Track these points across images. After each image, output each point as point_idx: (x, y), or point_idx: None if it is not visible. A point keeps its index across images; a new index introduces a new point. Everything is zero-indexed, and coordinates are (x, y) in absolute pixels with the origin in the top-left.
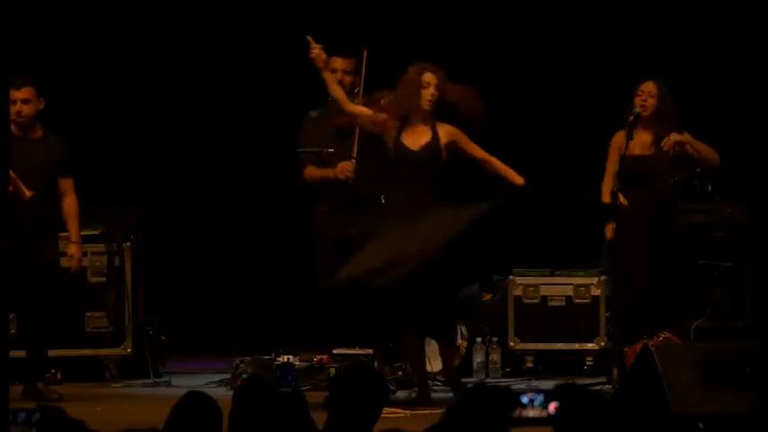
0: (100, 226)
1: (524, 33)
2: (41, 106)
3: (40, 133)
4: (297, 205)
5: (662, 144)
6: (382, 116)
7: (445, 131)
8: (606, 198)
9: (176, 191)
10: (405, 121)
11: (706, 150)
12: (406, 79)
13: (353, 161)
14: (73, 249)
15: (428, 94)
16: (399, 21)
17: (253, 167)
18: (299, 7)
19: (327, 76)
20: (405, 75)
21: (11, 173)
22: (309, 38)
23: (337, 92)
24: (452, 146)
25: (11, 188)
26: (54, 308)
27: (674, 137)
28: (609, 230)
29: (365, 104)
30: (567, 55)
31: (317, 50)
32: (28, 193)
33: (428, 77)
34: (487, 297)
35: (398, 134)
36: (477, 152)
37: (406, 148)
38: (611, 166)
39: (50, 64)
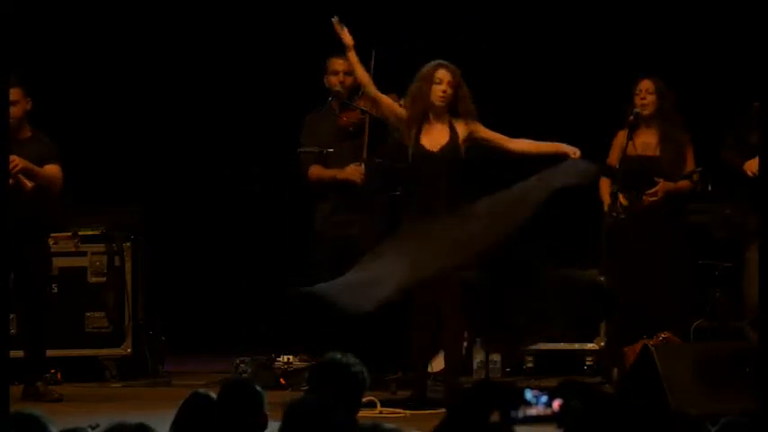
0: (100, 226)
1: (525, 34)
2: (29, 106)
3: (28, 134)
4: (297, 205)
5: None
6: (402, 110)
7: (462, 126)
8: (605, 197)
9: (176, 191)
10: (423, 121)
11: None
12: (419, 75)
13: (362, 163)
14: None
15: (440, 90)
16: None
17: (253, 167)
18: (301, 7)
19: (352, 57)
20: (420, 71)
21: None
22: (335, 20)
23: (362, 74)
24: (472, 138)
25: (12, 181)
26: (48, 308)
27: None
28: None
29: (373, 106)
30: (567, 54)
31: (345, 33)
32: (29, 185)
33: (441, 74)
34: None
35: (417, 135)
36: (501, 138)
37: (426, 150)
38: (612, 162)
39: (51, 64)
